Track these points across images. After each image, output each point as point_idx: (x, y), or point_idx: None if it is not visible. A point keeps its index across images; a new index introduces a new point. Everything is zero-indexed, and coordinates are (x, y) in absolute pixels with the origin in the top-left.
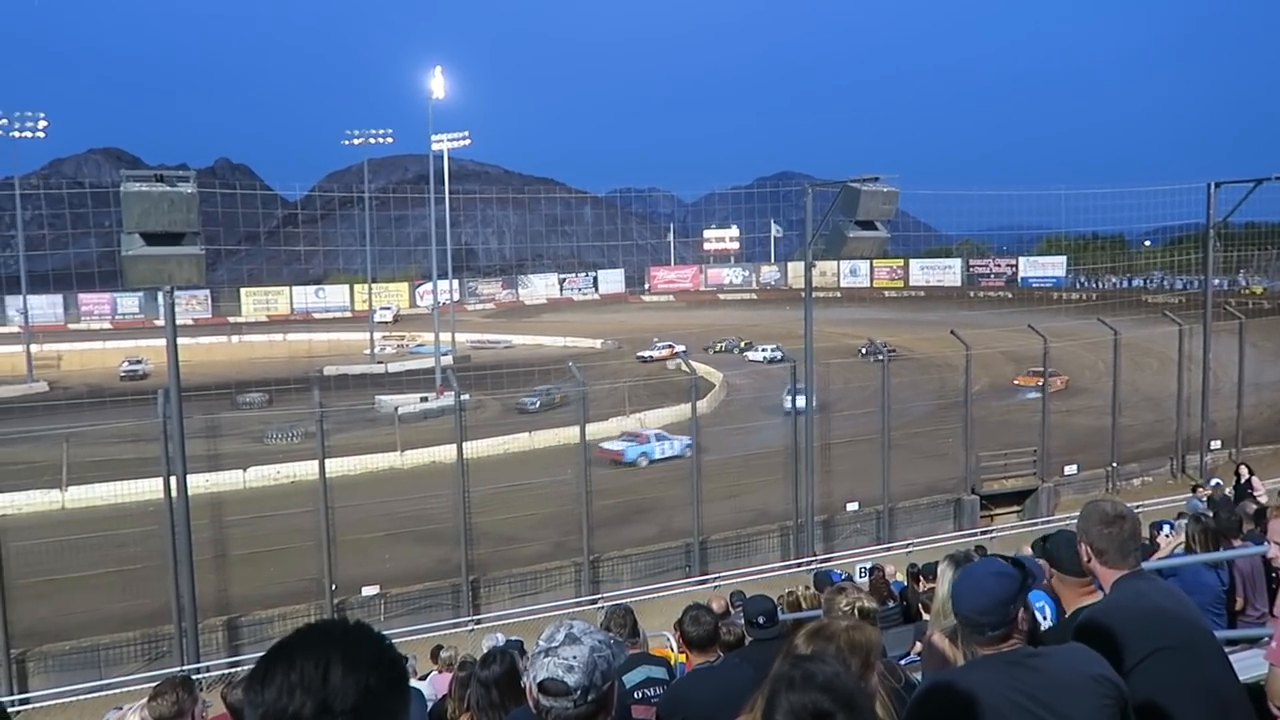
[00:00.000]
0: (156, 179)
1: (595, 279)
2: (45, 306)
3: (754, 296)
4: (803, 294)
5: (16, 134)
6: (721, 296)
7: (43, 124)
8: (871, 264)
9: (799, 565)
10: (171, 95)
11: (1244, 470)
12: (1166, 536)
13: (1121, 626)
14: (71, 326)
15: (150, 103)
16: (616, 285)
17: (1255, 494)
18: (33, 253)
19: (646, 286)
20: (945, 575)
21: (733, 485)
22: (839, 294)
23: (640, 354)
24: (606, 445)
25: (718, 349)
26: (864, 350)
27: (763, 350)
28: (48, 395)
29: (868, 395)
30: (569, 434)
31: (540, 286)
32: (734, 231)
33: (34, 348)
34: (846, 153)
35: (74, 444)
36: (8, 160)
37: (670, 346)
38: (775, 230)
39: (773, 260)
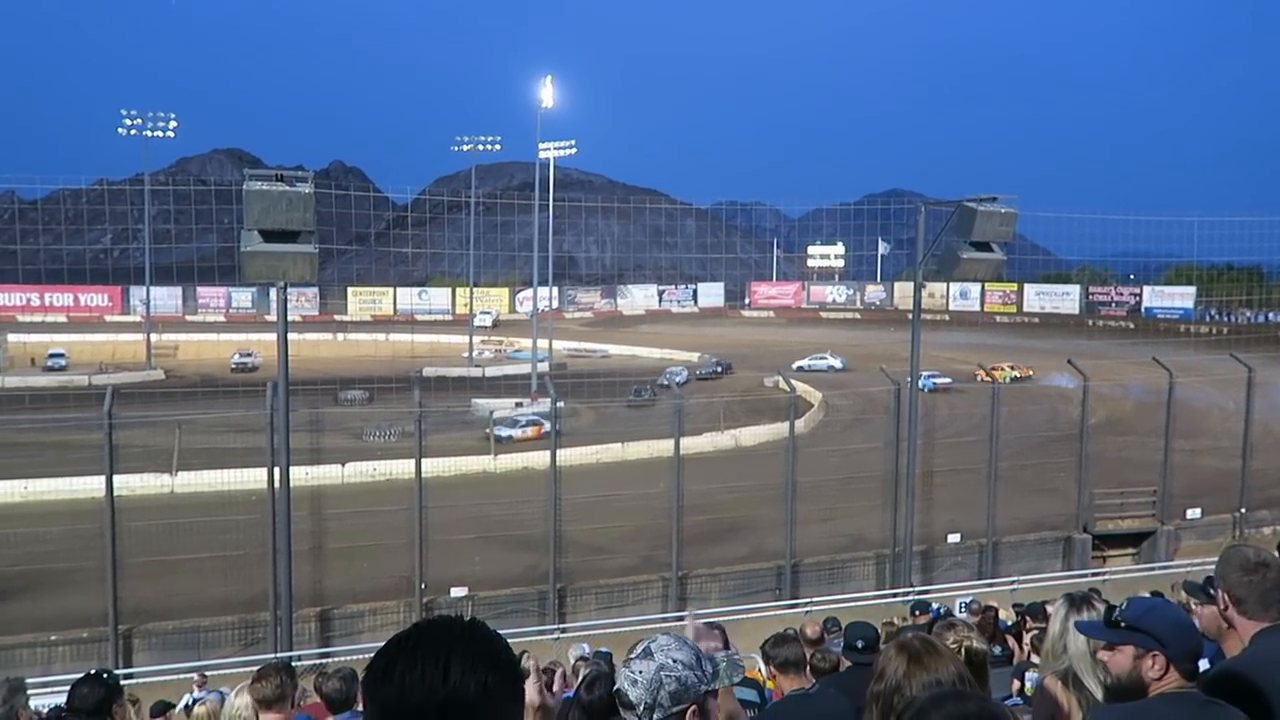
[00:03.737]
0: (277, 178)
1: (695, 292)
2: (166, 298)
3: (857, 316)
4: (909, 315)
5: (149, 133)
6: (823, 315)
7: (173, 124)
8: (983, 287)
9: (894, 595)
10: (292, 99)
11: None
12: None
13: (1266, 684)
14: (189, 318)
15: (272, 106)
16: (716, 299)
17: None
18: (157, 246)
19: (747, 301)
20: (1060, 615)
21: (828, 509)
22: (947, 317)
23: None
24: None
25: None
26: (985, 373)
27: (814, 359)
28: (164, 383)
29: (975, 423)
30: (662, 447)
31: (639, 297)
32: (839, 248)
33: (153, 337)
34: (960, 171)
35: (186, 431)
36: (138, 158)
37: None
38: (883, 248)
39: (878, 279)
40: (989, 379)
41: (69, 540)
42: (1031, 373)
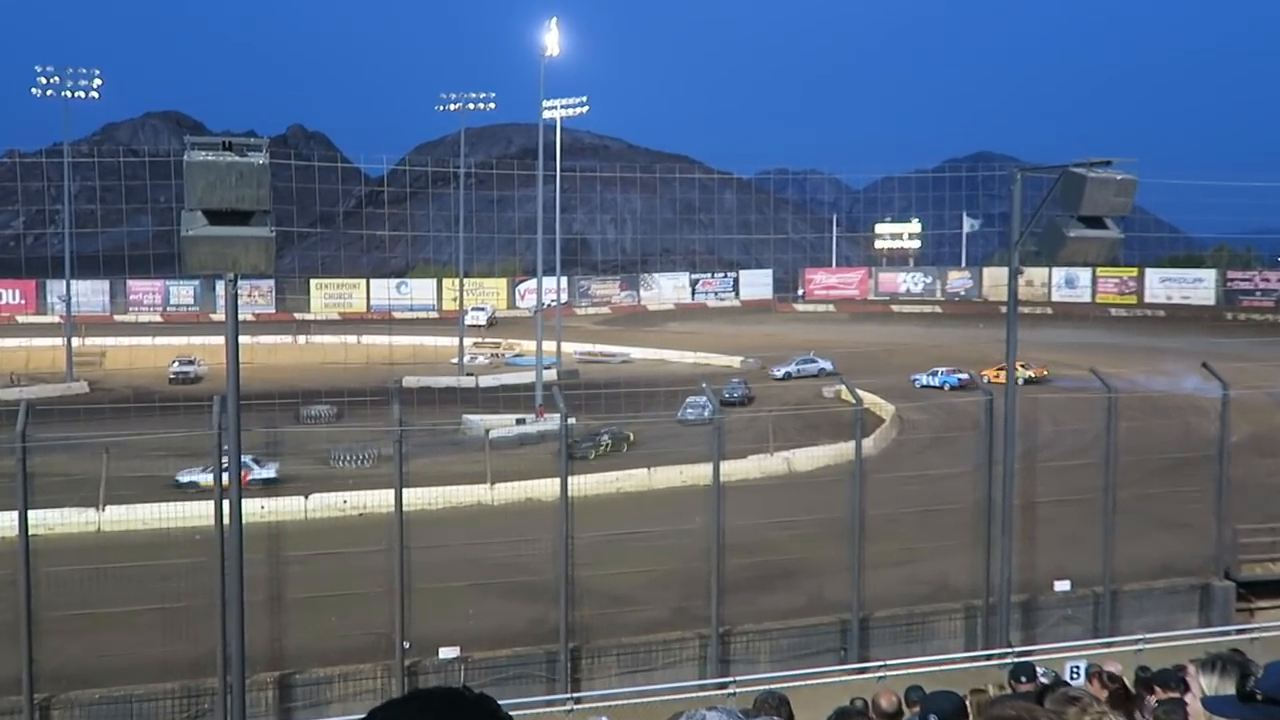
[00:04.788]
0: (224, 147)
1: (736, 281)
2: (90, 294)
3: (937, 309)
4: (1001, 308)
5: (69, 94)
6: (895, 308)
7: (97, 84)
8: (1094, 273)
9: (989, 658)
10: (238, 53)
11: None
12: None
13: None
14: (118, 318)
15: (214, 62)
16: (763, 289)
17: None
18: (80, 231)
19: (800, 292)
20: (1199, 682)
21: (904, 549)
22: (1049, 310)
23: (777, 370)
24: None
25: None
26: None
27: (800, 363)
28: (88, 397)
29: (1086, 442)
30: (697, 473)
31: (667, 288)
32: (914, 226)
33: (75, 341)
34: (1061, 131)
35: (115, 456)
36: (56, 124)
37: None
38: (968, 225)
39: (963, 264)
40: (1000, 379)
41: None
42: (1046, 372)
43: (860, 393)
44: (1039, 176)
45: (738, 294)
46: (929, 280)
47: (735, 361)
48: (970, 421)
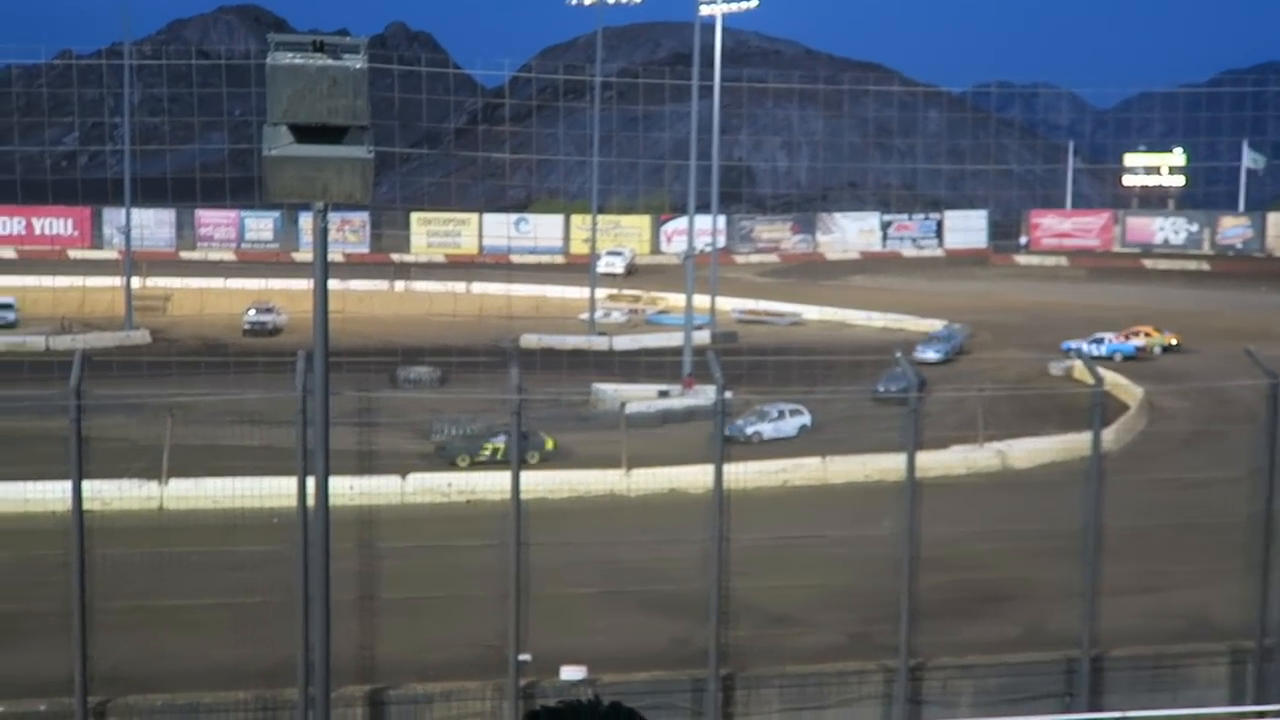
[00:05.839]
0: (314, 48)
1: (940, 224)
2: (153, 225)
3: (1204, 266)
4: None
5: None
6: (1147, 263)
7: None
8: None
9: (1260, 714)
10: None
11: None
12: None
13: None
14: (185, 255)
15: None
16: (974, 236)
17: None
18: (143, 148)
19: (1023, 240)
20: None
21: (1151, 572)
22: None
23: (1066, 344)
24: None
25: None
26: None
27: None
28: (150, 348)
29: None
30: (884, 465)
31: (851, 232)
32: (1176, 158)
33: (136, 282)
34: None
35: (180, 420)
36: (116, 20)
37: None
38: (1249, 159)
39: (1241, 208)
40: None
41: (20, 572)
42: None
43: (1102, 371)
44: None
45: (941, 241)
46: (1194, 229)
47: (937, 327)
48: (1244, 411)
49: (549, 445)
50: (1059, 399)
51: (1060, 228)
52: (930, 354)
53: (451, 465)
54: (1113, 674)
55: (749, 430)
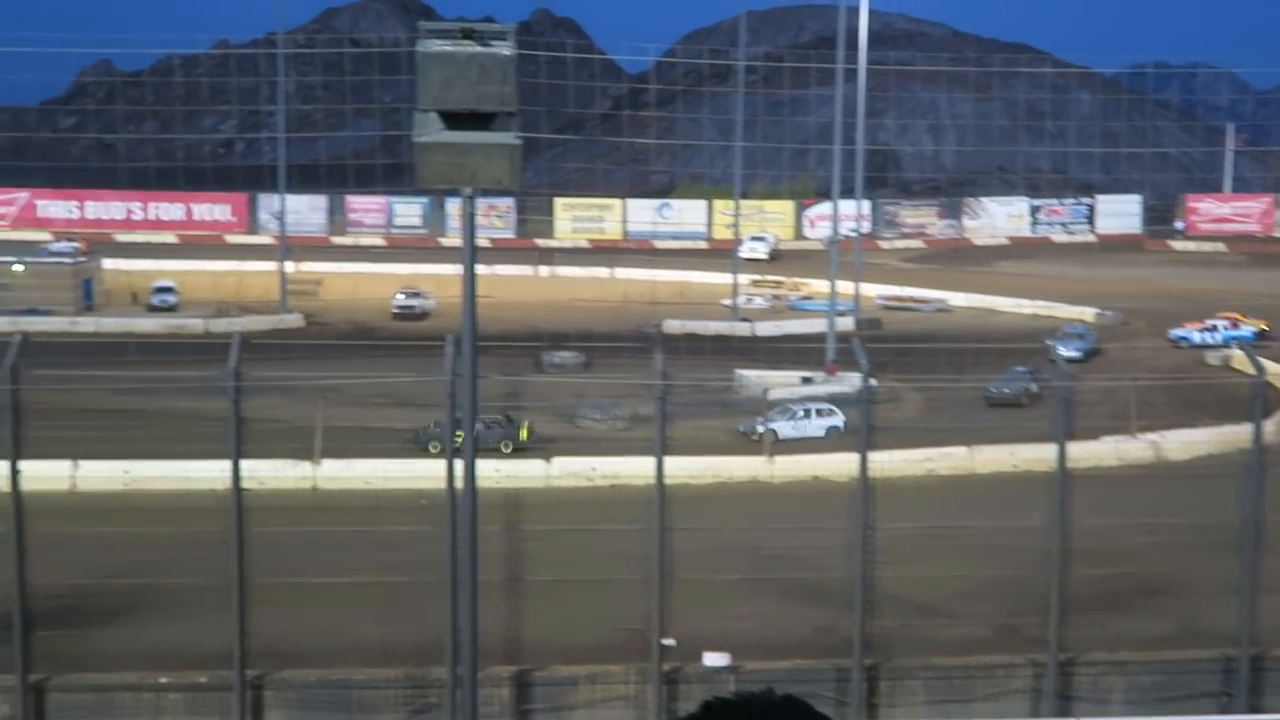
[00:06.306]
0: (463, 35)
1: (1092, 209)
2: (307, 211)
3: None
4: None
5: None
6: None
7: None
8: None
9: None
10: None
11: None
12: None
13: None
14: (336, 240)
15: None
16: (1128, 221)
17: None
18: (296, 135)
19: (1180, 225)
20: None
21: None
22: None
23: (1175, 333)
24: None
25: None
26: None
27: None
28: (303, 332)
29: None
30: (1034, 456)
31: (999, 217)
32: None
33: (290, 266)
34: None
35: (332, 402)
36: (270, 9)
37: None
38: None
39: None
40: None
41: (182, 546)
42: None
43: (1264, 361)
44: None
45: (1093, 226)
46: None
47: (1088, 314)
48: None
49: (523, 435)
50: (1216, 388)
51: (1218, 212)
52: (1070, 350)
53: (424, 452)
54: (1273, 674)
55: (760, 428)
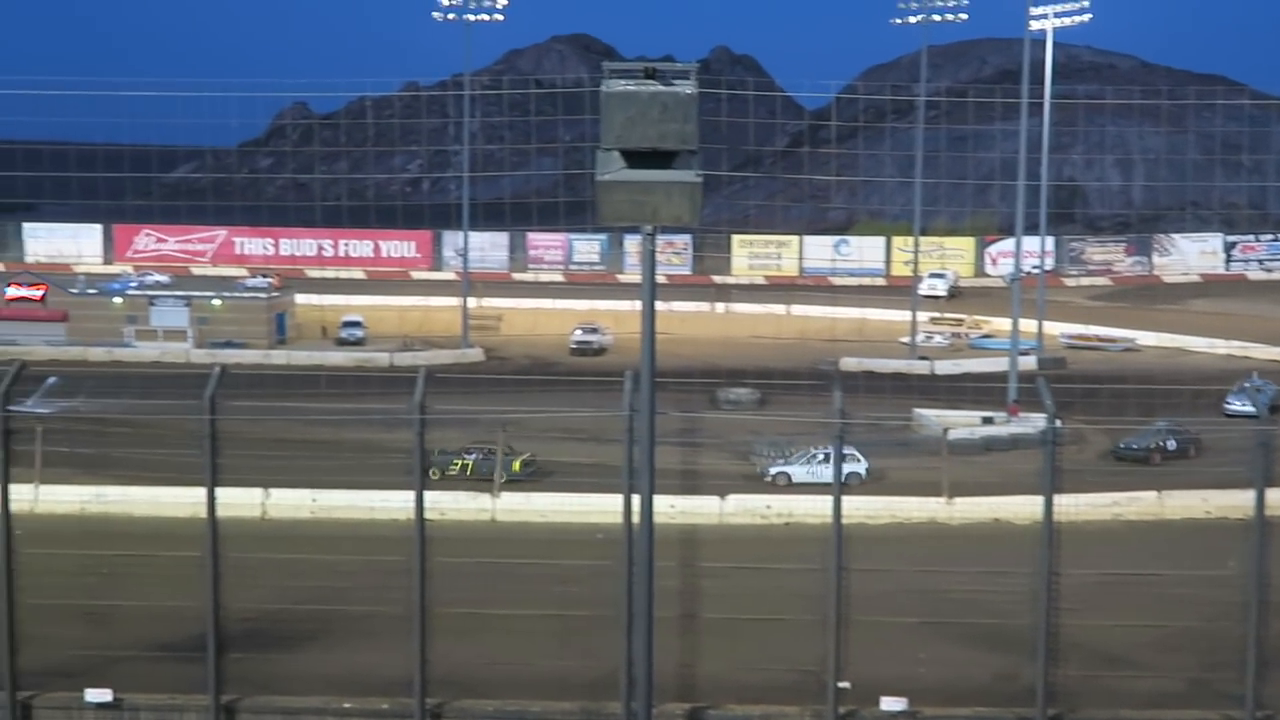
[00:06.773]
0: (646, 75)
1: None
2: (489, 248)
3: None
4: None
5: (472, 18)
6: None
7: (502, 2)
8: None
9: None
10: None
11: None
12: None
13: None
14: (516, 276)
15: None
16: None
17: None
18: (480, 174)
19: None
20: None
21: None
22: None
23: None
24: None
25: None
26: None
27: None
28: (484, 366)
29: None
30: (1229, 501)
31: (1191, 253)
32: None
33: (472, 302)
34: None
35: (512, 435)
36: (457, 51)
37: None
38: None
39: None
40: None
41: (366, 574)
42: None
43: None
44: None
45: None
46: None
47: None
48: None
49: (515, 467)
50: None
51: None
52: (1244, 405)
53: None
54: None
55: (773, 470)
